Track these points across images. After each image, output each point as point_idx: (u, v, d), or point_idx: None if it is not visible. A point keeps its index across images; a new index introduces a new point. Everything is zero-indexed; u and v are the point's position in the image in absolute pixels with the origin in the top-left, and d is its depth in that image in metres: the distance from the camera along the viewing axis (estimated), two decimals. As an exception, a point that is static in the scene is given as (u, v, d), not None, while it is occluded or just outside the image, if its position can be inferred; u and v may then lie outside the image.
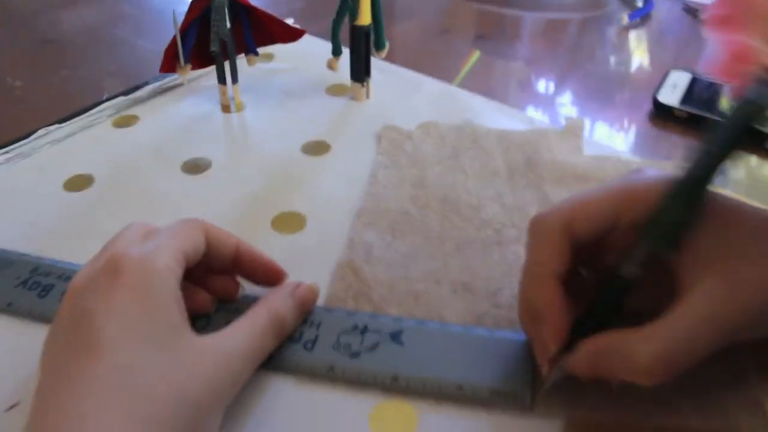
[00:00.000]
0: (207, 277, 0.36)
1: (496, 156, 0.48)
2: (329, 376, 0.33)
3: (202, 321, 0.35)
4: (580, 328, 0.30)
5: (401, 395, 0.32)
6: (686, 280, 0.29)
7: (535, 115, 0.58)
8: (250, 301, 0.34)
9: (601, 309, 0.31)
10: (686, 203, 0.29)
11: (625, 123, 0.57)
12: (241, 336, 0.30)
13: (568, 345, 0.30)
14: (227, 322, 0.31)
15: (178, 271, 0.30)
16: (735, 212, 0.30)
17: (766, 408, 0.31)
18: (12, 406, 0.32)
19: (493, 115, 0.54)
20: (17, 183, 0.48)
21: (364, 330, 0.35)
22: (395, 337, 0.35)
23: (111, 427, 0.24)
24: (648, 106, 0.58)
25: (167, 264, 0.29)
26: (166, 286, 0.29)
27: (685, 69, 0.61)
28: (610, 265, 0.31)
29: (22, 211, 0.45)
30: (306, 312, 0.35)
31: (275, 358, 0.33)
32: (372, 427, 0.31)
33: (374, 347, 0.34)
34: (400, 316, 0.36)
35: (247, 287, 0.37)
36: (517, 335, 0.34)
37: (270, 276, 0.36)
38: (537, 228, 0.32)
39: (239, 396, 0.32)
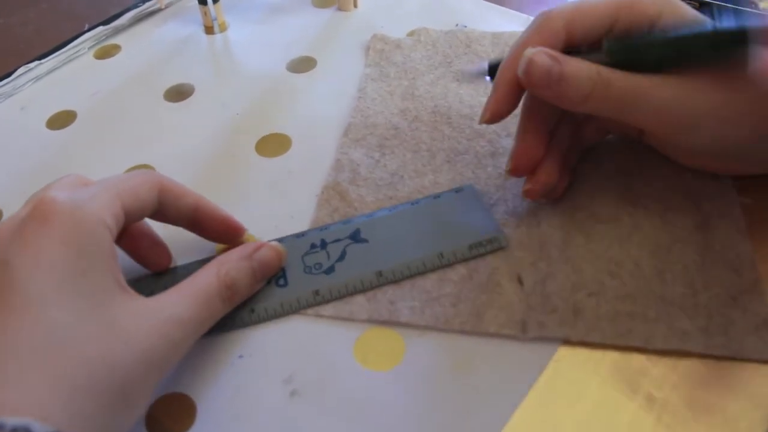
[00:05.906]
0: (139, 245, 0.33)
1: (491, 60, 0.45)
2: (317, 300, 0.32)
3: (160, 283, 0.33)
4: None
5: (385, 325, 0.31)
6: None
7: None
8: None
9: None
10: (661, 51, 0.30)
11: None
12: (184, 301, 0.27)
13: None
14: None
15: (111, 224, 0.27)
16: None
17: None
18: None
19: (488, 18, 0.51)
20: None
21: (323, 245, 0.34)
22: (355, 237, 0.34)
23: (35, 393, 0.22)
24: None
25: (99, 215, 0.26)
26: (99, 237, 0.26)
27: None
28: None
29: (5, 154, 0.44)
30: (269, 274, 0.32)
31: (256, 310, 0.32)
32: (356, 356, 0.30)
33: (342, 256, 0.33)
34: (348, 219, 0.35)
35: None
36: (460, 192, 0.36)
37: (228, 234, 0.33)
38: (541, 18, 0.33)
39: (219, 335, 0.31)
